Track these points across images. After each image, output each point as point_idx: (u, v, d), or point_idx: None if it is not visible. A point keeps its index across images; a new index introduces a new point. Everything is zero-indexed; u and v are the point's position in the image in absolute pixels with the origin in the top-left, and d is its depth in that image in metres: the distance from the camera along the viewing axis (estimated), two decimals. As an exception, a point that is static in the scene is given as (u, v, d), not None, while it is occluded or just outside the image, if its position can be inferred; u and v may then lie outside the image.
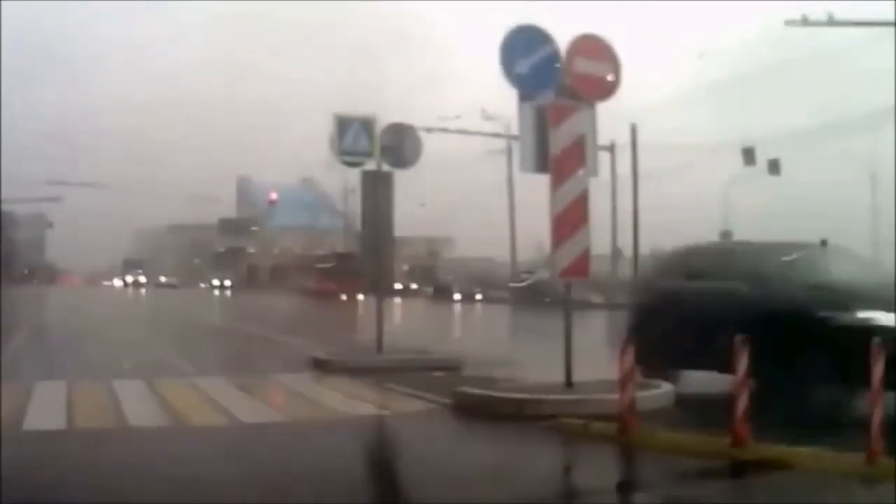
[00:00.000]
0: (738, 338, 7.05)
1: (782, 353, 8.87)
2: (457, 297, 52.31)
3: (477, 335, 25.18)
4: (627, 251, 36.58)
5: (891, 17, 26.14)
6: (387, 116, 14.54)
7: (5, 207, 64.20)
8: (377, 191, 14.20)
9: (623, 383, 7.50)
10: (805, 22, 29.55)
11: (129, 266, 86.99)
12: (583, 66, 9.87)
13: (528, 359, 13.22)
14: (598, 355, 11.45)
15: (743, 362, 6.87)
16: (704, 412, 8.32)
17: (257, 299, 53.88)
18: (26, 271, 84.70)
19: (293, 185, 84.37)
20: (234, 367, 13.46)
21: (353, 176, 15.12)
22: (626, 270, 36.04)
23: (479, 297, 51.35)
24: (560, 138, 9.40)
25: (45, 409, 8.85)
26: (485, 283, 54.20)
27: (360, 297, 37.87)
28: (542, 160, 9.54)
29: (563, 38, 9.76)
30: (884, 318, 8.74)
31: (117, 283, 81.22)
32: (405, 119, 15.43)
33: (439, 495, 6.11)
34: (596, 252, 10.91)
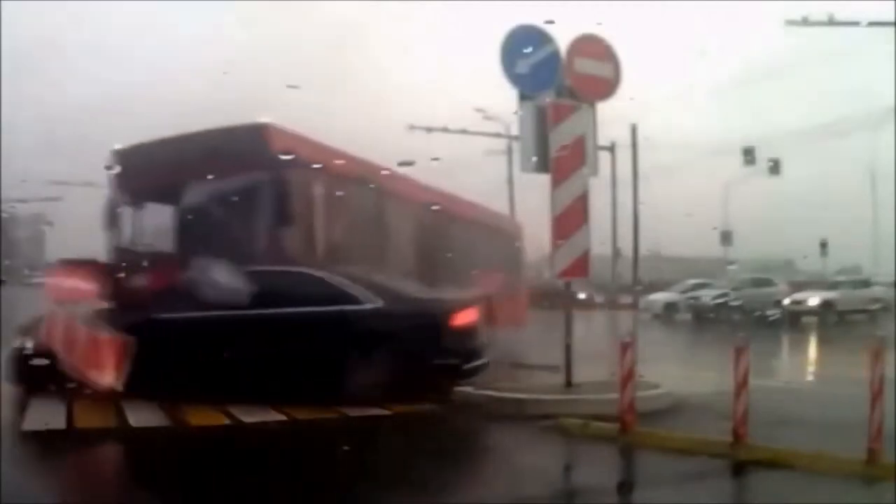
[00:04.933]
0: (740, 339, 7.08)
1: None
2: None
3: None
4: (627, 251, 36.50)
5: (891, 17, 26.14)
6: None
7: (5, 207, 64.10)
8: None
9: (623, 383, 7.51)
10: (805, 22, 29.54)
11: None
12: (583, 66, 9.88)
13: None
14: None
15: (743, 363, 6.88)
16: (704, 412, 8.32)
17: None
18: (26, 271, 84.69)
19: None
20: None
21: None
22: (625, 271, 35.94)
23: None
24: (560, 138, 9.40)
25: (45, 409, 8.84)
26: None
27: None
28: (542, 160, 9.54)
29: (563, 38, 9.78)
30: None
31: None
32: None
33: (439, 494, 6.12)
34: (595, 252, 10.91)
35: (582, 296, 31.99)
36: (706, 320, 28.37)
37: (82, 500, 5.70)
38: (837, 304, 28.30)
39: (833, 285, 29.83)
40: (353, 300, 9.53)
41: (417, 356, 9.14)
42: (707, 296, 29.48)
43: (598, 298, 32.79)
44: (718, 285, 30.87)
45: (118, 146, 11.84)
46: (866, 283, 30.40)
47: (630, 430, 7.38)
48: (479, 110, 38.80)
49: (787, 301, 28.40)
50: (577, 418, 8.03)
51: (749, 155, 37.70)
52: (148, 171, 11.28)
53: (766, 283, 30.84)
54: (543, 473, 6.69)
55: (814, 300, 28.49)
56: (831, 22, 29.39)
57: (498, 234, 19.11)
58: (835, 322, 27.18)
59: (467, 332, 9.65)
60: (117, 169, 11.66)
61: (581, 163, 9.52)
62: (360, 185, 12.56)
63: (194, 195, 11.40)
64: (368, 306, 9.50)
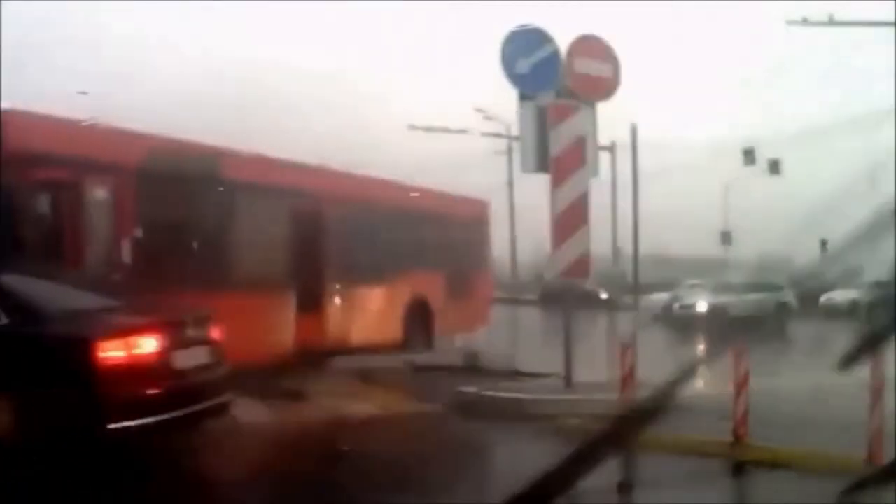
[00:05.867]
0: (739, 341, 7.09)
1: None
2: None
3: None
4: (627, 251, 36.51)
5: (891, 17, 26.16)
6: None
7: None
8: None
9: (623, 383, 7.51)
10: (805, 22, 29.56)
11: None
12: (583, 66, 9.89)
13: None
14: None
15: (743, 364, 6.88)
16: (704, 413, 8.32)
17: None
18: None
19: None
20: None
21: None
22: (626, 271, 35.97)
23: None
24: (560, 138, 9.41)
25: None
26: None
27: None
28: (542, 160, 9.55)
29: (563, 38, 9.78)
30: None
31: None
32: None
33: (439, 495, 6.12)
34: (595, 252, 10.92)
35: (604, 296, 32.02)
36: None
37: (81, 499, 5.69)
38: (730, 310, 25.30)
39: (727, 288, 27.38)
40: None
41: (31, 404, 6.11)
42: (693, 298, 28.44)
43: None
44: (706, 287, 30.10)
45: None
46: (772, 287, 27.35)
47: (630, 430, 7.38)
48: (479, 110, 38.86)
49: (676, 306, 26.79)
50: (577, 418, 8.03)
51: (749, 155, 37.75)
52: None
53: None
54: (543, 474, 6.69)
55: (701, 305, 26.26)
56: (831, 22, 29.42)
57: (444, 222, 15.69)
58: (725, 330, 23.64)
59: (131, 369, 6.25)
60: None
61: (581, 163, 9.52)
62: (166, 176, 10.10)
63: None
64: None
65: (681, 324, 24.88)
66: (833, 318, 29.79)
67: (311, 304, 12.02)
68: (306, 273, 12.07)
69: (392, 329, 14.07)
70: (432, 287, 15.18)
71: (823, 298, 31.77)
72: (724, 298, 26.21)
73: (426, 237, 15.03)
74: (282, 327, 11.48)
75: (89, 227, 9.43)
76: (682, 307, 26.59)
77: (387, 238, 13.78)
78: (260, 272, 11.24)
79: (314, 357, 12.01)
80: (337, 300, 12.76)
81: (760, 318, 24.47)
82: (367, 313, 13.29)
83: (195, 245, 10.68)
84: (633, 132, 35.65)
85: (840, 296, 31.62)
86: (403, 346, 14.11)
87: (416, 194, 15.30)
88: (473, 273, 16.80)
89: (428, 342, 15.10)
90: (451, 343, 15.40)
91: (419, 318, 14.95)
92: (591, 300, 27.98)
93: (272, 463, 6.83)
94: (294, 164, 12.49)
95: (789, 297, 27.48)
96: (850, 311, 30.50)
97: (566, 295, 10.20)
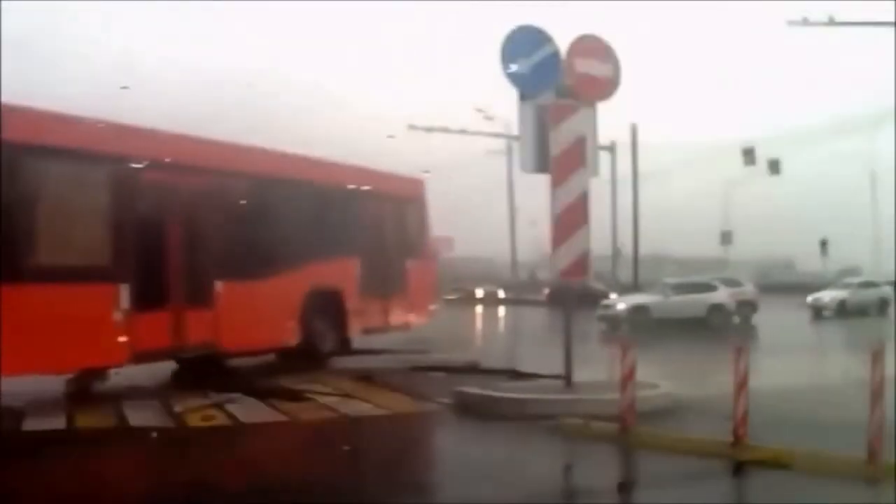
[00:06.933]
0: (739, 341, 7.09)
1: None
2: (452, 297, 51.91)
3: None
4: (627, 251, 36.56)
5: (891, 17, 26.19)
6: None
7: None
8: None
9: (623, 383, 7.52)
10: (806, 22, 29.62)
11: None
12: (583, 66, 9.89)
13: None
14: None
15: (743, 363, 6.88)
16: (703, 412, 8.33)
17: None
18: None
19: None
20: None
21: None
22: (626, 270, 36.00)
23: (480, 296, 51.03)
24: (560, 138, 9.40)
25: (44, 409, 8.85)
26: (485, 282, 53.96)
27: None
28: (543, 160, 9.55)
29: (563, 38, 9.79)
30: None
31: None
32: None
33: (440, 495, 6.12)
34: (596, 252, 10.91)
35: (613, 296, 32.00)
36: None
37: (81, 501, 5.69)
38: (653, 311, 24.31)
39: (661, 289, 26.16)
40: None
41: None
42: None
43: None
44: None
45: None
46: (704, 287, 26.13)
47: (630, 430, 7.38)
48: (479, 110, 38.93)
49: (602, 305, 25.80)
50: (577, 418, 8.03)
51: (749, 155, 37.82)
52: None
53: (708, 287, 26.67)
54: (543, 473, 6.69)
55: (622, 305, 25.24)
56: (831, 22, 29.46)
57: (364, 202, 13.96)
58: (649, 330, 21.85)
59: None
60: None
61: (581, 163, 9.51)
62: None
63: None
64: None
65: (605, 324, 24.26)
66: (820, 318, 29.73)
67: (154, 299, 10.19)
68: (147, 262, 10.16)
69: (283, 328, 12.12)
70: (345, 277, 13.16)
71: (810, 299, 31.56)
72: (647, 299, 25.51)
73: (335, 219, 13.02)
74: (98, 327, 9.57)
75: None
76: (604, 306, 25.62)
77: (274, 220, 11.97)
78: (53, 259, 9.26)
79: (160, 361, 10.72)
80: (194, 294, 10.82)
81: (686, 320, 23.64)
82: (240, 310, 11.19)
83: None
84: (633, 132, 35.66)
85: (827, 296, 31.49)
86: (304, 347, 12.45)
87: (323, 170, 13.18)
88: (406, 261, 14.78)
89: (340, 341, 13.31)
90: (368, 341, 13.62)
91: (326, 313, 12.95)
92: (600, 300, 27.81)
93: (272, 463, 6.83)
94: (122, 129, 10.24)
95: (723, 297, 25.88)
96: (837, 311, 30.43)
97: (574, 295, 10.18)
